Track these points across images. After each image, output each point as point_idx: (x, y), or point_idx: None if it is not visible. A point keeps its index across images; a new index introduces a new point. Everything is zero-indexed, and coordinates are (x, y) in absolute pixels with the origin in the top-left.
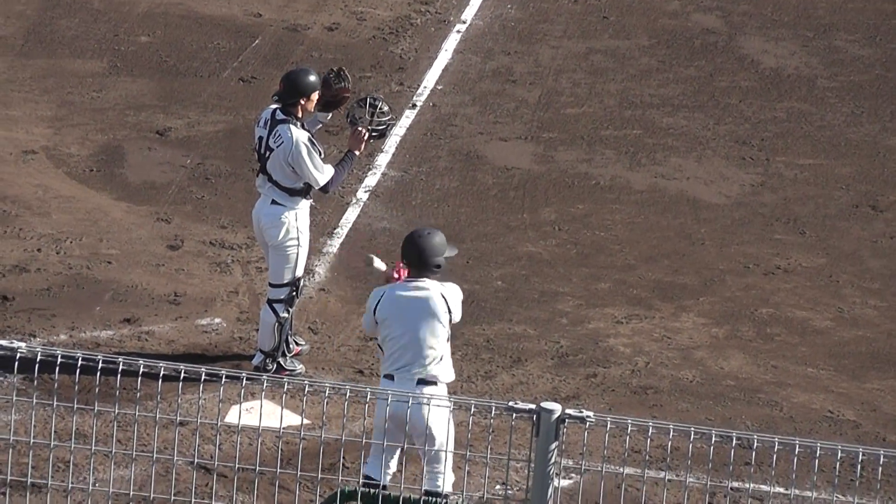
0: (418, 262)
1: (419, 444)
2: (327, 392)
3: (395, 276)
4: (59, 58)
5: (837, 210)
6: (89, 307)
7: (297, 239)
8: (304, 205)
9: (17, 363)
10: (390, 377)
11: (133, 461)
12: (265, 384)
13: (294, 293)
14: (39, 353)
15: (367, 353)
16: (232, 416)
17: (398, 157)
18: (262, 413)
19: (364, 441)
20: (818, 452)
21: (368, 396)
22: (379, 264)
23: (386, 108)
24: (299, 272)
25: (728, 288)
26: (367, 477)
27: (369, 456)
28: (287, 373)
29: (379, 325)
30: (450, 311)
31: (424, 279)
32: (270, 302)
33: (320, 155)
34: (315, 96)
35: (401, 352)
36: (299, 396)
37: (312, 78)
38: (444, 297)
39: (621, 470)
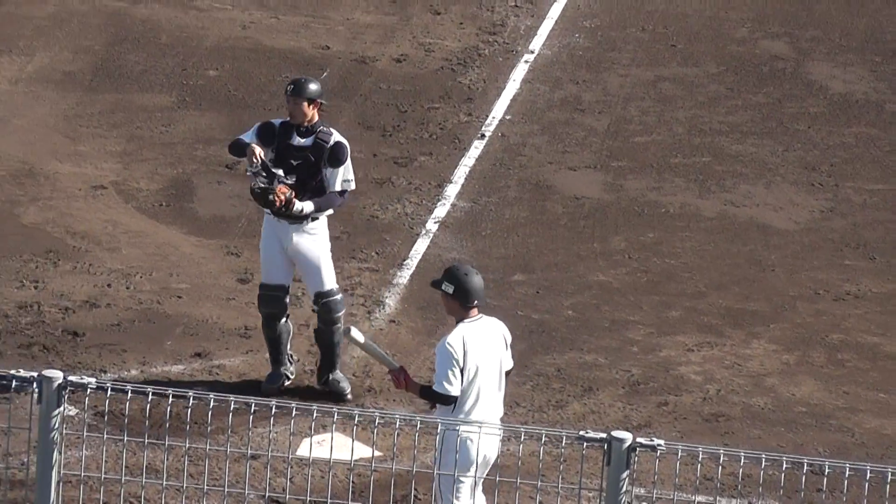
0: (482, 298)
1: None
2: (398, 423)
3: (398, 378)
4: (127, 93)
5: None
6: (160, 342)
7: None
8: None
9: (87, 398)
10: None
11: (205, 495)
12: (336, 416)
13: (261, 298)
14: (110, 388)
15: None
16: (303, 449)
17: (467, 187)
18: (333, 445)
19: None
20: (889, 478)
21: (440, 427)
22: (358, 336)
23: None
24: (262, 277)
25: (798, 314)
26: None
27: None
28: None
29: (465, 375)
30: (507, 348)
31: (482, 315)
32: None
33: (257, 137)
34: (292, 101)
35: (487, 398)
36: (370, 428)
37: (292, 83)
38: (504, 336)
39: (693, 498)
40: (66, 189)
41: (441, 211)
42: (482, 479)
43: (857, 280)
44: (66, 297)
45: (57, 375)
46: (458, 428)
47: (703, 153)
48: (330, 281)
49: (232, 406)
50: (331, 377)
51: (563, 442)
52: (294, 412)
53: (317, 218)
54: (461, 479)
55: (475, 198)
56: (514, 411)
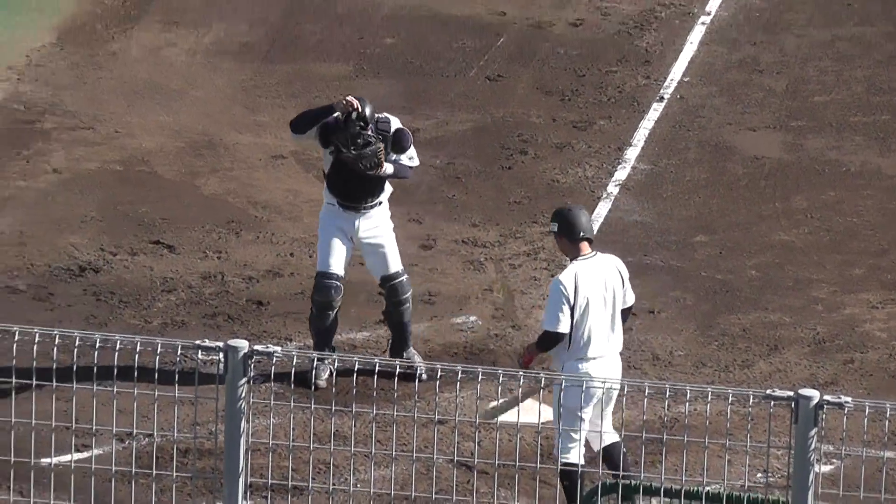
0: (589, 230)
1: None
2: (584, 386)
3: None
4: (304, 62)
5: None
6: (344, 309)
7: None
8: (327, 196)
9: (273, 367)
10: (588, 360)
11: (393, 461)
12: (521, 380)
13: (319, 287)
14: (295, 357)
15: (624, 346)
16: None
17: (647, 149)
18: (519, 409)
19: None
20: None
21: (626, 390)
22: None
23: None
24: (320, 266)
25: None
26: (570, 464)
27: (564, 442)
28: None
29: (574, 313)
30: (623, 284)
31: (595, 252)
32: None
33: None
34: None
35: (601, 332)
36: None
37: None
38: (619, 271)
39: (882, 454)
40: (246, 159)
41: (622, 174)
42: (609, 415)
43: None
44: (249, 266)
45: (242, 344)
46: (577, 362)
47: (882, 111)
48: (396, 264)
49: (418, 372)
50: (405, 355)
51: (751, 401)
52: (480, 376)
53: (381, 203)
54: (582, 413)
55: (655, 160)
56: (701, 371)
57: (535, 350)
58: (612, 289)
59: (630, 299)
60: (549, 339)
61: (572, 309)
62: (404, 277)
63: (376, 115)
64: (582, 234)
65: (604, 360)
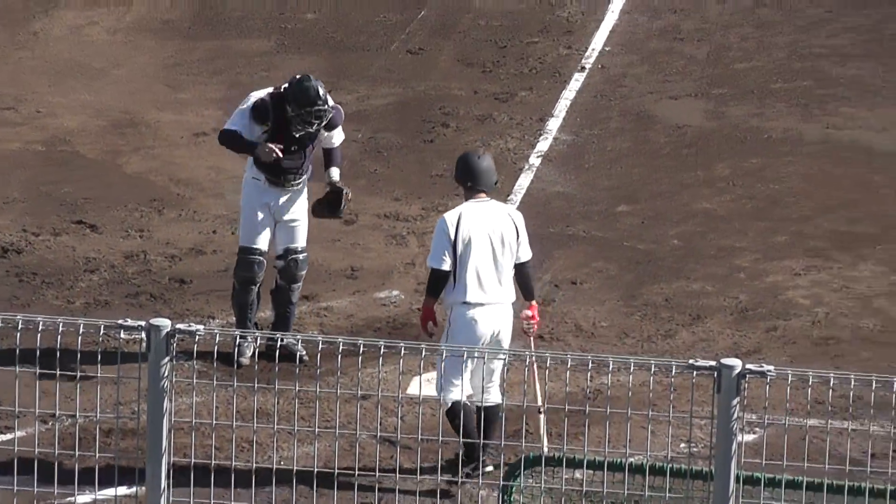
0: (488, 181)
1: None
2: (507, 359)
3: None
4: (226, 39)
5: None
6: (266, 286)
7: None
8: (252, 171)
9: (196, 346)
10: (474, 305)
11: (317, 437)
12: (444, 355)
13: (243, 262)
14: (218, 335)
15: (546, 318)
16: (413, 388)
17: (569, 120)
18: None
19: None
20: None
21: (549, 362)
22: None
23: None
24: (243, 241)
25: None
26: (456, 403)
27: (446, 385)
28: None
29: (457, 250)
30: (518, 235)
31: (491, 199)
32: None
33: (253, 120)
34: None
35: (487, 275)
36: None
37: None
38: (512, 218)
39: (805, 422)
40: (168, 137)
41: (544, 145)
42: (497, 371)
43: None
44: (172, 244)
45: (165, 323)
46: (463, 307)
47: (804, 77)
48: (303, 240)
49: (340, 347)
50: (285, 340)
51: (673, 371)
52: (403, 351)
53: (305, 180)
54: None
55: (577, 130)
56: (624, 342)
57: (429, 298)
58: (501, 235)
59: (525, 254)
60: (434, 278)
61: (454, 246)
62: (306, 254)
63: (329, 103)
64: (478, 183)
65: (492, 308)
